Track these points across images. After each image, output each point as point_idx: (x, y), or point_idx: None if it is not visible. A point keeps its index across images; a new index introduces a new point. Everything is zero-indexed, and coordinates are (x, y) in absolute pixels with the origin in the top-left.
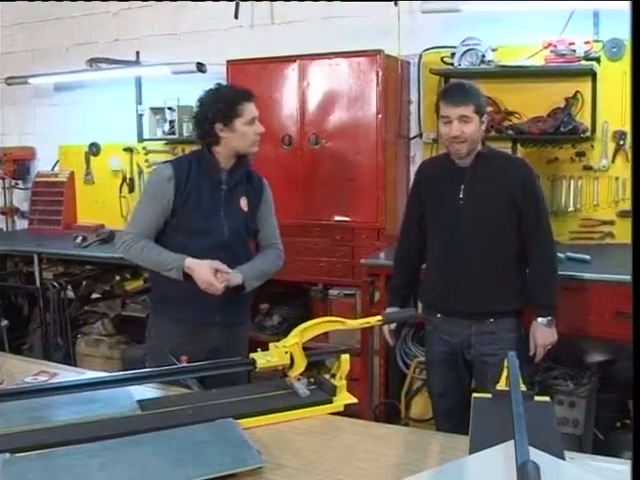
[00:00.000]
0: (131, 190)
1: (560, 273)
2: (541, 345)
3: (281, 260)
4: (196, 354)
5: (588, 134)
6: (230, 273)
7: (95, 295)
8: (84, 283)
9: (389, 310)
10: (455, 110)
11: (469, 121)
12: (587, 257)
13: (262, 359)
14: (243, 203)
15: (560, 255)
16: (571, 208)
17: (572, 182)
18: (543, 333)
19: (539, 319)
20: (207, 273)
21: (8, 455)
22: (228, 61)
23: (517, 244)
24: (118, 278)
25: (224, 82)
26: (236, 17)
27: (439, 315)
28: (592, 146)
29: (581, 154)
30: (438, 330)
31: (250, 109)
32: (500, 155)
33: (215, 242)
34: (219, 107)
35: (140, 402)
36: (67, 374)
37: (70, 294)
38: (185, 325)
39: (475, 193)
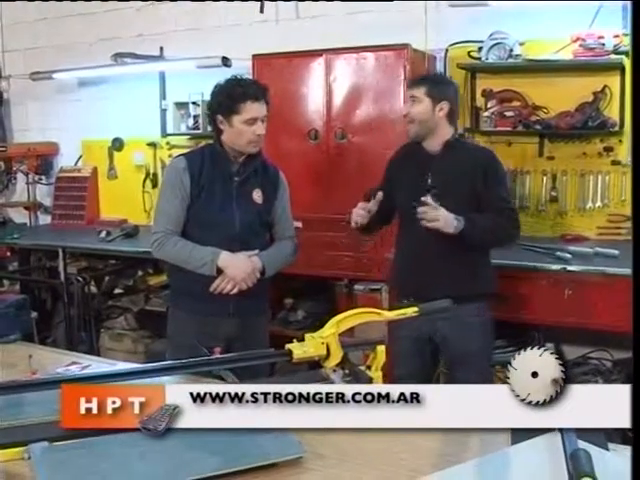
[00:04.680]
0: (154, 185)
1: (589, 268)
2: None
3: (295, 252)
4: (212, 345)
5: (616, 129)
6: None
7: (118, 290)
8: (107, 278)
9: None
10: (409, 91)
11: (417, 101)
12: (615, 252)
13: (299, 349)
14: (257, 195)
15: (588, 250)
16: (599, 203)
17: (600, 177)
18: (445, 218)
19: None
20: (247, 265)
21: (46, 444)
22: (254, 55)
23: None
24: (141, 273)
25: (246, 76)
26: (261, 11)
27: (405, 301)
28: (620, 141)
29: (609, 149)
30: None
31: (251, 109)
32: (469, 146)
33: (227, 235)
34: (220, 100)
35: None
36: (99, 365)
37: (93, 289)
38: (200, 316)
39: (441, 181)
